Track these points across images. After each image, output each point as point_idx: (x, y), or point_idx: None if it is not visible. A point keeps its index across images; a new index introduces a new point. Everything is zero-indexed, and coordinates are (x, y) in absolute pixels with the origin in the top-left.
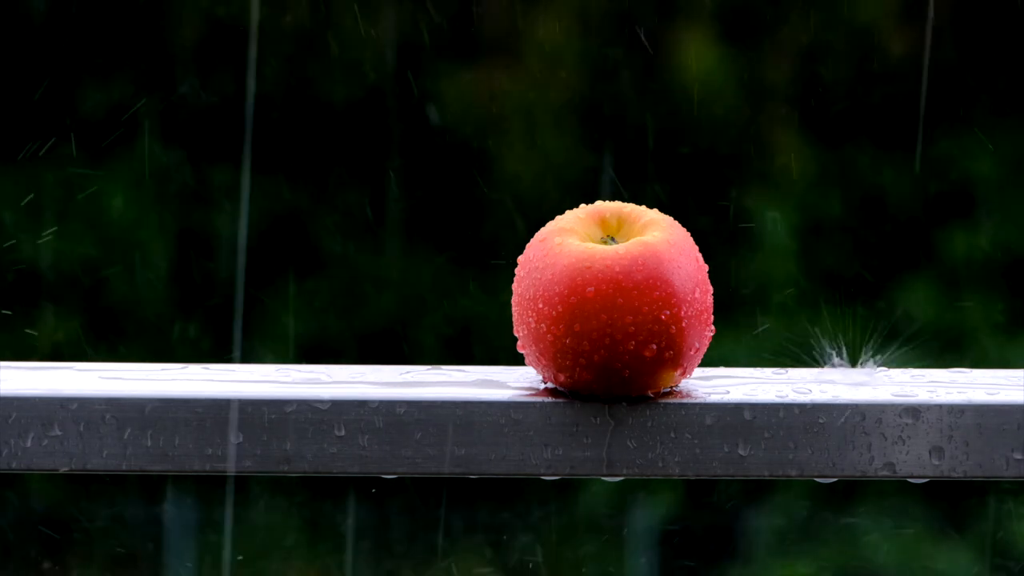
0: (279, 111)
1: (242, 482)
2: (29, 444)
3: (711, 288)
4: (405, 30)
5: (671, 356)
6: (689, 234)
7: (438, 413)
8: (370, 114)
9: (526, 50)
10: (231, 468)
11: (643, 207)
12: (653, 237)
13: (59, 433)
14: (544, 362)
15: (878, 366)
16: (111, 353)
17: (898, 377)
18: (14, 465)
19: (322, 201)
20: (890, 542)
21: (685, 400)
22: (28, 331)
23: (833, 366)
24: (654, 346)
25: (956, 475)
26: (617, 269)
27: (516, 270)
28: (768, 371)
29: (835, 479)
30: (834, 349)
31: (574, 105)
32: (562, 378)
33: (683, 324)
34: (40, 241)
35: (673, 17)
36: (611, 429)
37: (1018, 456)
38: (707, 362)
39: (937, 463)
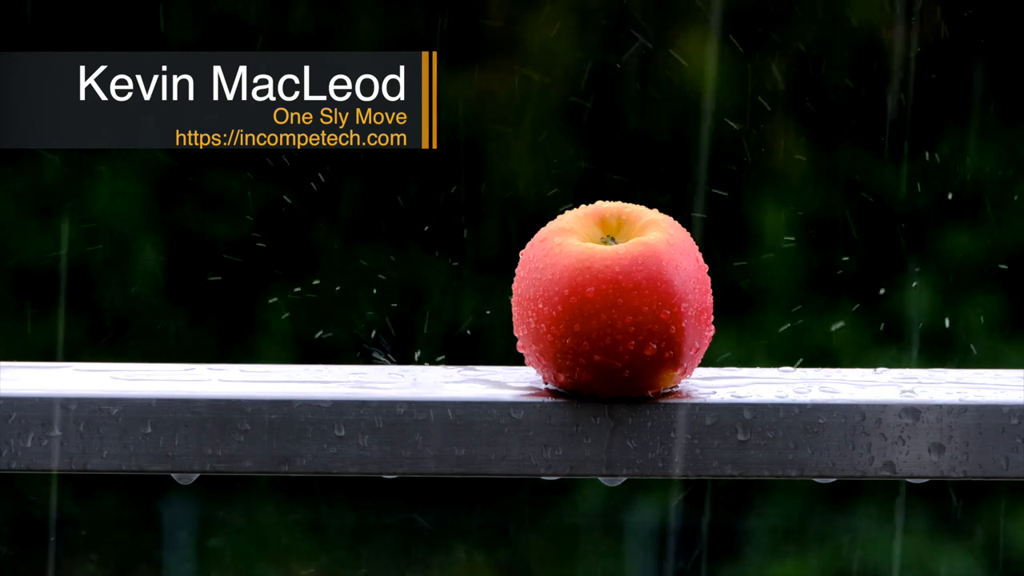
0: None
1: (242, 482)
2: (29, 444)
3: (711, 288)
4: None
5: (671, 356)
6: (689, 234)
7: (438, 413)
8: None
9: (525, 50)
10: (231, 468)
11: (643, 207)
12: (653, 237)
13: (59, 433)
14: (544, 362)
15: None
16: (110, 353)
17: (898, 377)
18: (14, 465)
19: (321, 200)
20: (889, 542)
21: (685, 400)
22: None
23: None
24: (654, 346)
25: (956, 475)
26: (617, 269)
27: (516, 270)
28: (768, 371)
29: (835, 479)
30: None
31: (574, 105)
32: (562, 378)
33: (683, 324)
34: (39, 240)
35: (672, 17)
36: (611, 429)
37: (1018, 456)
38: (707, 362)
39: (937, 463)
